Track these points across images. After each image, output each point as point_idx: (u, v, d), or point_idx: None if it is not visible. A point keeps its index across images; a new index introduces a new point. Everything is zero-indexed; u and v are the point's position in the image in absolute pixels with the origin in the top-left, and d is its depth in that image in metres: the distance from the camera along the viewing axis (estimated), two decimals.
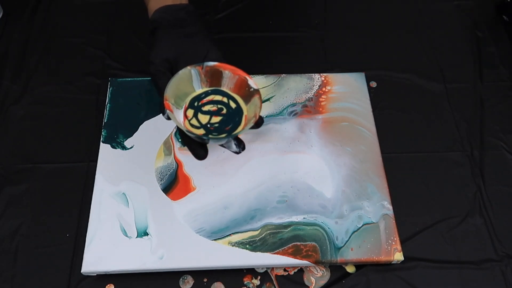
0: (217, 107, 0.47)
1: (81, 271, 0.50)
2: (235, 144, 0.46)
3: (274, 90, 0.64)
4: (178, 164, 0.57)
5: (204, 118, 0.46)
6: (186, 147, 0.58)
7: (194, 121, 0.46)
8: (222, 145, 0.47)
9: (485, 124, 0.64)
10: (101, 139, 0.59)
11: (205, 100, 0.47)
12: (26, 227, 0.55)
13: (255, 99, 0.46)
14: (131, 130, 0.60)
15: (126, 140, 0.59)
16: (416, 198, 0.58)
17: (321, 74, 0.66)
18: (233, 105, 0.47)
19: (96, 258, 0.51)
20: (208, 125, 0.45)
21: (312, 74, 0.66)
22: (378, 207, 0.55)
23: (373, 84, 0.68)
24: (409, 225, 0.56)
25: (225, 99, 0.48)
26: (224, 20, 0.74)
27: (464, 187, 0.59)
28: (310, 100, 0.63)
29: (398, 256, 0.52)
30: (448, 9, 0.77)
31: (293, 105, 0.62)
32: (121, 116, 0.61)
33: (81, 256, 0.51)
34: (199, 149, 0.45)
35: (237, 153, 0.46)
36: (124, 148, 0.59)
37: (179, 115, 0.46)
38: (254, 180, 0.56)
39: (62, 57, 0.70)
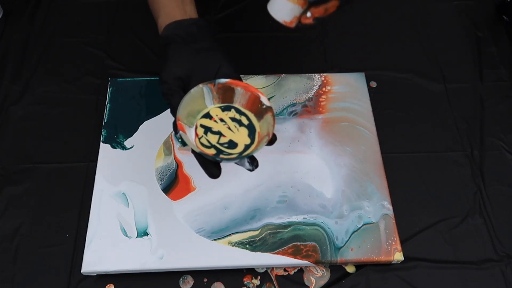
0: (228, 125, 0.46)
1: (81, 271, 0.50)
2: (248, 162, 0.45)
3: (274, 90, 0.64)
4: (178, 164, 0.57)
5: (213, 138, 0.45)
6: (185, 148, 0.58)
7: (204, 140, 0.45)
8: (235, 163, 0.46)
9: (485, 124, 0.64)
10: (101, 139, 0.59)
11: (214, 118, 0.47)
12: (26, 227, 0.55)
13: (268, 116, 0.45)
14: (131, 130, 0.60)
15: (126, 140, 0.59)
16: (416, 198, 0.58)
17: (321, 74, 0.66)
18: (245, 121, 0.46)
19: (96, 258, 0.51)
20: (218, 145, 0.45)
21: (312, 74, 0.66)
22: (378, 207, 0.55)
23: (373, 84, 0.68)
24: (409, 225, 0.56)
25: (237, 116, 0.47)
26: (224, 20, 0.74)
27: (464, 187, 0.59)
28: (310, 100, 0.63)
29: (398, 256, 0.52)
30: (448, 9, 0.77)
31: (293, 105, 0.62)
32: (121, 116, 0.61)
33: (81, 256, 0.51)
34: (212, 167, 0.44)
35: (250, 170, 0.46)
36: (124, 148, 0.59)
37: (190, 133, 0.45)
38: (254, 180, 0.56)
39: (62, 57, 0.70)
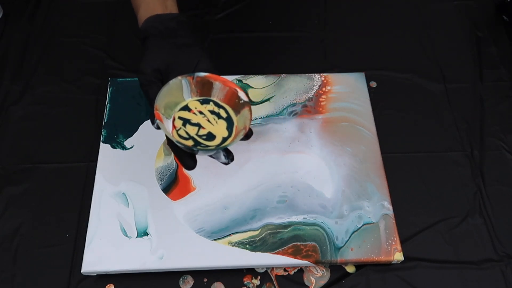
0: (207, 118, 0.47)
1: (81, 271, 0.50)
2: (224, 155, 0.45)
3: (274, 90, 0.64)
4: (178, 164, 0.57)
5: (192, 130, 0.45)
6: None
7: (182, 132, 0.45)
8: (211, 156, 0.46)
9: (485, 124, 0.64)
10: (101, 139, 0.59)
11: (193, 110, 0.47)
12: (26, 227, 0.55)
13: (245, 111, 0.45)
14: (131, 130, 0.60)
15: (126, 140, 0.59)
16: (416, 198, 0.58)
17: (321, 74, 0.66)
18: (223, 114, 0.47)
19: (96, 258, 0.51)
20: (196, 136, 0.45)
21: (312, 74, 0.66)
22: (378, 207, 0.55)
23: (373, 84, 0.68)
24: (409, 225, 0.56)
25: (215, 109, 0.47)
26: (224, 20, 0.74)
27: (464, 187, 0.59)
28: (310, 100, 0.63)
29: (398, 256, 0.52)
30: (448, 9, 0.77)
31: (293, 105, 0.62)
32: (121, 116, 0.61)
33: (81, 256, 0.51)
34: (188, 159, 0.45)
35: (225, 164, 0.46)
36: (124, 148, 0.59)
37: (168, 125, 0.45)
38: (254, 180, 0.56)
39: (62, 57, 0.70)
